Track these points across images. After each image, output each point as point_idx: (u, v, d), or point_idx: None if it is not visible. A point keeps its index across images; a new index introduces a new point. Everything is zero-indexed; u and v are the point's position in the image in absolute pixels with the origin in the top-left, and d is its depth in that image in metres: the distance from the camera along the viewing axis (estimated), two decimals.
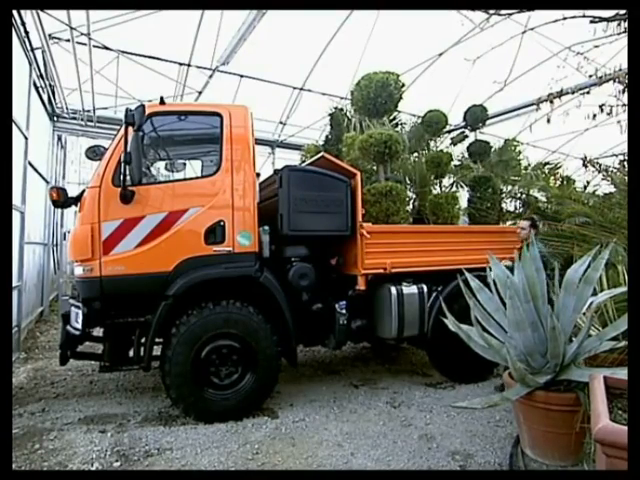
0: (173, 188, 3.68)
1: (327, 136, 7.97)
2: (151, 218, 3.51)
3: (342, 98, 8.86)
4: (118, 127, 3.75)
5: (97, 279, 3.38)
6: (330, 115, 7.98)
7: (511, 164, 7.77)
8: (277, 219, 3.86)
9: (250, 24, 6.29)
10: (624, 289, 2.69)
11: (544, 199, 7.26)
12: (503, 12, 3.86)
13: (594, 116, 4.13)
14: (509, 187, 7.52)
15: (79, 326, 3.48)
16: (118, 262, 3.41)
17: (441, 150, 6.77)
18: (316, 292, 4.09)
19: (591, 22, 3.48)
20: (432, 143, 7.34)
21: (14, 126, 5.06)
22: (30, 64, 6.13)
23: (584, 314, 2.78)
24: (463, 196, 7.04)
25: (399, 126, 7.63)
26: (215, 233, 3.61)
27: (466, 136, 7.63)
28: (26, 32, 5.72)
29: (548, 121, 4.48)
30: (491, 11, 3.85)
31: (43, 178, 7.79)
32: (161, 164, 4.42)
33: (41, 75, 7.06)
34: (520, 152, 8.36)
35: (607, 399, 1.91)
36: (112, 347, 3.62)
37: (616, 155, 6.45)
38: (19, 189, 5.58)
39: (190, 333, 3.42)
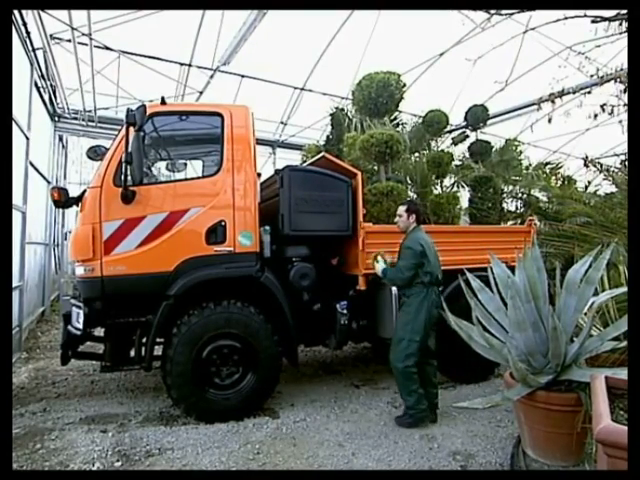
0: (174, 188, 3.68)
1: (328, 136, 8.00)
2: (152, 218, 3.51)
3: (343, 98, 8.87)
4: (119, 127, 3.76)
5: (98, 279, 3.39)
6: (331, 115, 8.00)
7: (512, 164, 7.79)
8: (278, 219, 3.86)
9: (251, 24, 6.31)
10: (625, 289, 2.68)
11: (545, 199, 7.28)
12: (504, 12, 3.86)
13: (595, 116, 4.13)
14: (510, 187, 7.54)
15: (80, 326, 3.49)
16: (119, 262, 3.41)
17: (442, 150, 6.79)
18: (317, 292, 4.09)
19: (592, 22, 3.47)
20: (433, 143, 7.36)
21: (15, 126, 5.06)
22: (31, 64, 6.13)
23: (585, 314, 2.78)
24: (464, 196, 7.06)
25: (400, 126, 7.66)
26: (216, 233, 3.61)
27: (467, 136, 7.65)
28: (27, 32, 5.72)
29: (549, 121, 4.47)
30: (492, 11, 3.84)
31: (44, 178, 7.79)
32: (162, 164, 4.42)
33: (42, 75, 7.06)
34: (521, 152, 8.39)
35: (608, 399, 1.90)
36: (113, 347, 3.62)
37: (617, 155, 6.46)
38: (20, 189, 5.58)
39: (191, 333, 3.42)
